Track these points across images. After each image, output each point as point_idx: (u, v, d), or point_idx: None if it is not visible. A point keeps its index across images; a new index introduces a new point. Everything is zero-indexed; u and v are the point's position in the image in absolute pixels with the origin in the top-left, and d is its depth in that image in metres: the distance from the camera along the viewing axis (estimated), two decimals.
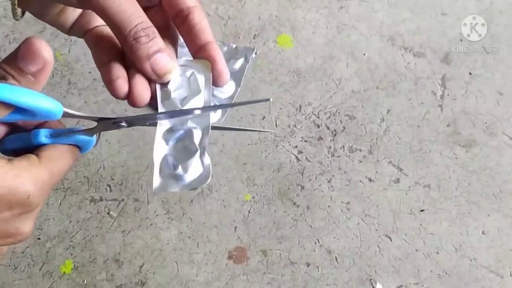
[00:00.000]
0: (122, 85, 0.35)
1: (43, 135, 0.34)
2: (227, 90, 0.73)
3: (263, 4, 0.81)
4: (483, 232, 0.67)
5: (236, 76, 0.75)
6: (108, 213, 0.66)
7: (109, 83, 0.35)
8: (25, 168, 0.31)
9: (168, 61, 0.35)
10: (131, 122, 0.36)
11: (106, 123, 0.36)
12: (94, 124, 0.36)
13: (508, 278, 0.64)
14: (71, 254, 0.63)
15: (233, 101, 0.73)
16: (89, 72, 0.75)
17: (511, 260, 0.65)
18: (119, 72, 0.35)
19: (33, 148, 0.34)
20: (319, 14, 0.81)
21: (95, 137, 0.36)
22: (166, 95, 0.36)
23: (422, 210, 0.68)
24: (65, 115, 0.33)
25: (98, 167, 0.68)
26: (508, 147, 0.72)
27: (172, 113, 0.36)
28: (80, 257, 0.63)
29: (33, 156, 0.33)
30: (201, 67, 0.37)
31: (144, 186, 0.67)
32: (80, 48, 0.76)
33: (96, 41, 0.37)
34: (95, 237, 0.64)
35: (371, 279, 0.64)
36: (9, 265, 0.62)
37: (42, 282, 0.62)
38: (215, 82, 0.37)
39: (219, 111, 0.72)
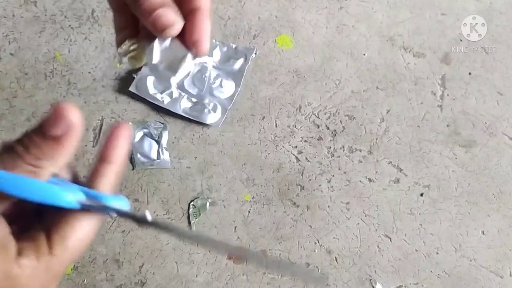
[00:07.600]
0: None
1: (74, 199, 0.27)
2: (227, 90, 0.73)
3: (263, 4, 0.81)
4: (482, 232, 0.67)
5: (236, 76, 0.75)
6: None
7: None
8: (30, 266, 0.27)
9: (172, 16, 0.33)
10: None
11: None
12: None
13: (508, 278, 0.64)
14: None
15: (233, 101, 0.73)
16: (89, 72, 0.75)
17: (511, 260, 0.65)
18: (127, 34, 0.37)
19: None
20: (319, 14, 0.81)
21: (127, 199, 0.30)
22: (155, 68, 0.36)
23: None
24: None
25: None
26: (507, 147, 0.72)
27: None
28: (80, 257, 0.63)
29: (42, 243, 0.27)
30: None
31: (144, 186, 0.67)
32: (80, 48, 0.76)
33: (117, 7, 0.37)
34: (95, 237, 0.64)
35: (371, 279, 0.64)
36: None
37: None
38: (193, 50, 0.35)
39: (219, 111, 0.72)
